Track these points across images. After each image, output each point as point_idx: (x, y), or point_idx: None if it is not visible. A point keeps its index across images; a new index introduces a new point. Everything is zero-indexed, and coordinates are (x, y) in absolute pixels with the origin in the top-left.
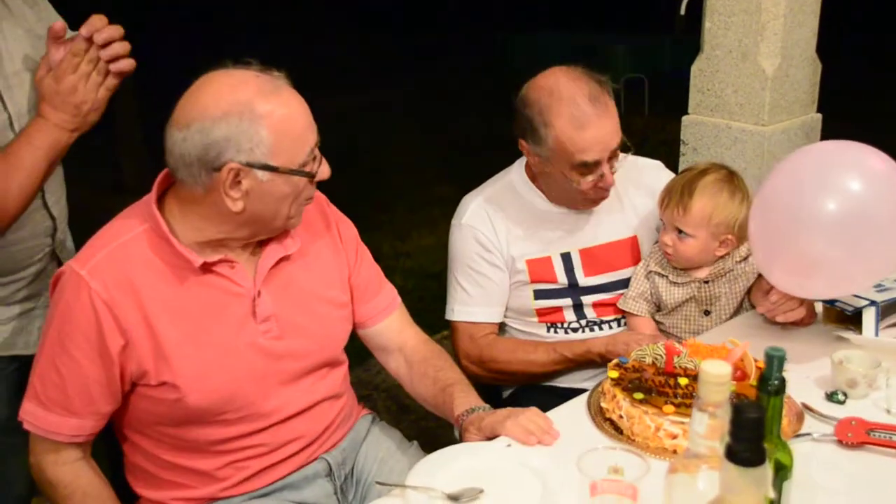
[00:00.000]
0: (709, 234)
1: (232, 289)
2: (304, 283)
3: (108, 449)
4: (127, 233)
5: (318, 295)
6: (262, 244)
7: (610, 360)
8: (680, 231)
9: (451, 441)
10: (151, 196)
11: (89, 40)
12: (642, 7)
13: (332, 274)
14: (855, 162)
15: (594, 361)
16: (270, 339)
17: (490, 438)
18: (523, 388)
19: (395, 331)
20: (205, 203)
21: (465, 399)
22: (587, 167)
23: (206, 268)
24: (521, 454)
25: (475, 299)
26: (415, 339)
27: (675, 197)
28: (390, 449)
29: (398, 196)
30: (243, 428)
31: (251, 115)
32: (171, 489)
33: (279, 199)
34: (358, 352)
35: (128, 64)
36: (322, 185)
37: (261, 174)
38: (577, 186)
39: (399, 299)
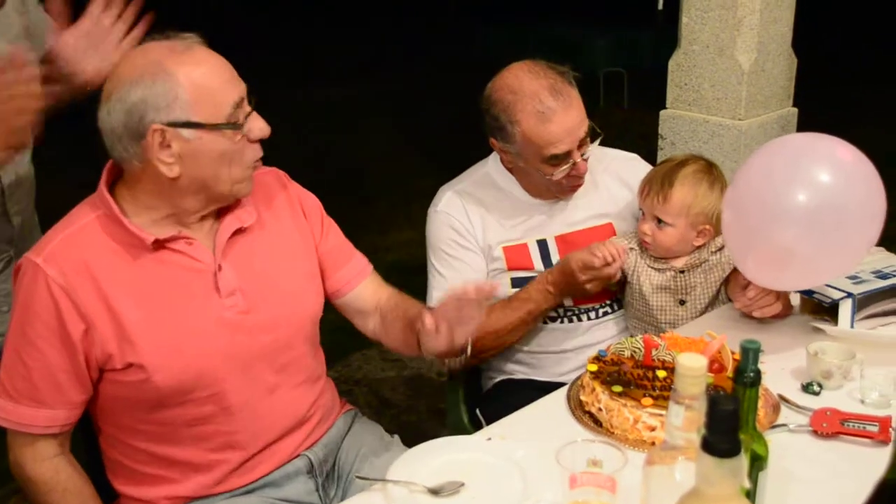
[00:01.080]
0: (687, 224)
1: (191, 265)
2: (267, 254)
3: (88, 447)
4: (81, 220)
5: (283, 266)
6: (220, 218)
7: (589, 268)
8: (659, 220)
9: (433, 435)
10: (101, 182)
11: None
12: (622, 1)
13: (296, 246)
14: (824, 154)
15: (571, 285)
16: (237, 314)
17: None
18: (503, 383)
19: (371, 292)
20: (146, 177)
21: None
22: (558, 159)
23: (161, 245)
24: (502, 448)
25: (452, 284)
26: (387, 294)
27: (656, 186)
28: (371, 444)
29: (378, 190)
30: (216, 406)
31: (164, 74)
32: (151, 484)
33: (214, 158)
34: (338, 347)
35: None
36: (301, 178)
37: (186, 133)
38: (550, 178)
39: (371, 266)
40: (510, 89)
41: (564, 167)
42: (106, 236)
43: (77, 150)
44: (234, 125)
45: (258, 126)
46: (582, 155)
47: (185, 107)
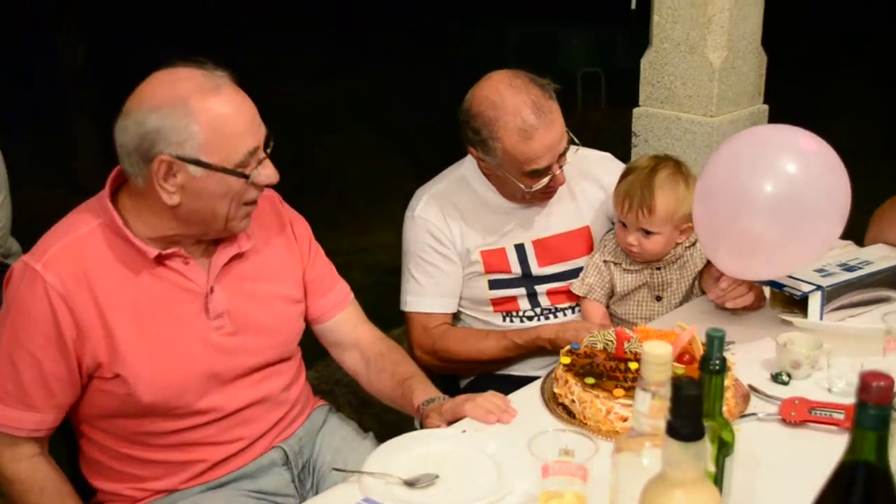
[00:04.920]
0: (673, 228)
1: (185, 284)
2: (257, 280)
3: (65, 443)
4: (81, 227)
5: (272, 292)
6: (217, 241)
7: (559, 347)
8: (646, 231)
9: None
10: (105, 192)
11: None
12: (598, 1)
13: (286, 271)
14: (789, 144)
15: (544, 348)
16: (223, 336)
17: (451, 423)
18: (480, 378)
19: (350, 326)
20: (149, 196)
21: (423, 390)
22: (538, 173)
23: (160, 260)
24: (476, 440)
25: (428, 290)
26: (370, 336)
27: (636, 200)
28: (346, 438)
29: (357, 191)
30: (196, 420)
31: (184, 110)
32: (127, 481)
33: (215, 197)
34: (317, 347)
35: None
36: (280, 179)
37: (192, 169)
38: (529, 190)
39: (352, 295)
40: (491, 104)
41: (544, 180)
42: (106, 247)
43: (46, 152)
44: (241, 174)
45: (266, 173)
46: (560, 166)
47: (196, 146)
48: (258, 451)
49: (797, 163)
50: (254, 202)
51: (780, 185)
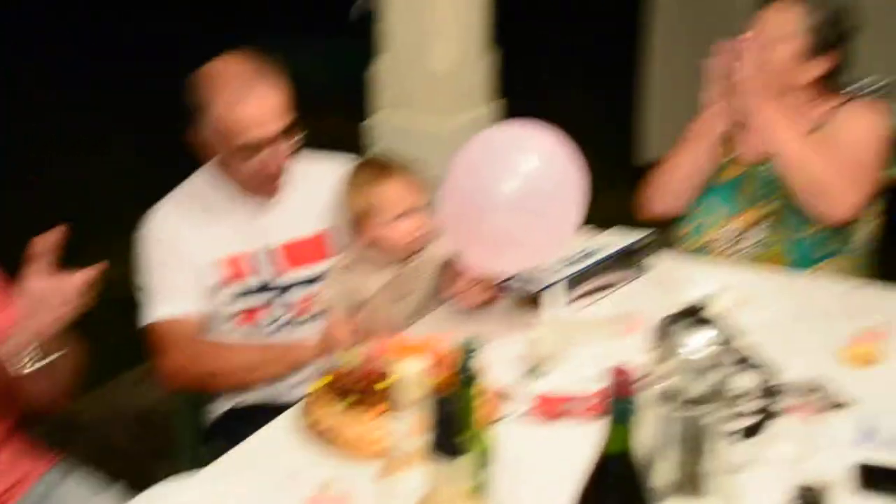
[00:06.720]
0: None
1: None
2: None
3: None
4: None
5: None
6: None
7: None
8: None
9: (161, 477)
10: None
11: None
12: (324, 10)
13: None
14: (522, 141)
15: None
16: None
17: None
18: (233, 411)
19: None
20: None
21: None
22: (250, 149)
23: None
24: (226, 489)
25: (169, 294)
26: None
27: (373, 198)
28: (88, 498)
29: (92, 224)
30: None
31: None
32: None
33: None
34: None
35: None
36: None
37: None
38: (245, 171)
39: None
40: (210, 74)
41: (258, 159)
42: None
43: None
44: None
45: None
46: (282, 150)
47: None
48: None
49: (532, 158)
50: None
51: (517, 181)
